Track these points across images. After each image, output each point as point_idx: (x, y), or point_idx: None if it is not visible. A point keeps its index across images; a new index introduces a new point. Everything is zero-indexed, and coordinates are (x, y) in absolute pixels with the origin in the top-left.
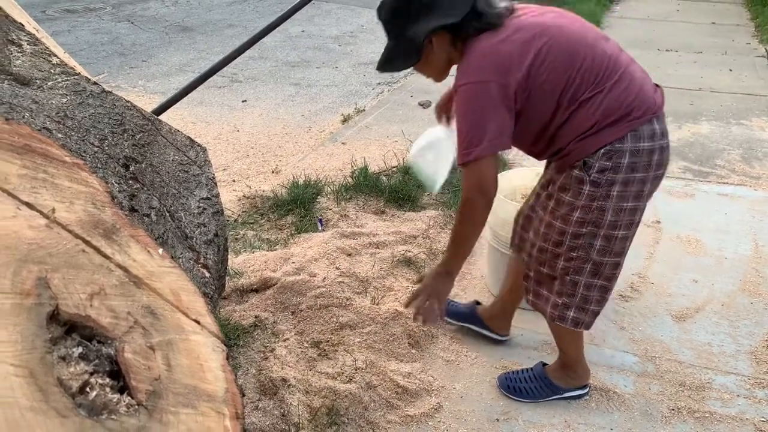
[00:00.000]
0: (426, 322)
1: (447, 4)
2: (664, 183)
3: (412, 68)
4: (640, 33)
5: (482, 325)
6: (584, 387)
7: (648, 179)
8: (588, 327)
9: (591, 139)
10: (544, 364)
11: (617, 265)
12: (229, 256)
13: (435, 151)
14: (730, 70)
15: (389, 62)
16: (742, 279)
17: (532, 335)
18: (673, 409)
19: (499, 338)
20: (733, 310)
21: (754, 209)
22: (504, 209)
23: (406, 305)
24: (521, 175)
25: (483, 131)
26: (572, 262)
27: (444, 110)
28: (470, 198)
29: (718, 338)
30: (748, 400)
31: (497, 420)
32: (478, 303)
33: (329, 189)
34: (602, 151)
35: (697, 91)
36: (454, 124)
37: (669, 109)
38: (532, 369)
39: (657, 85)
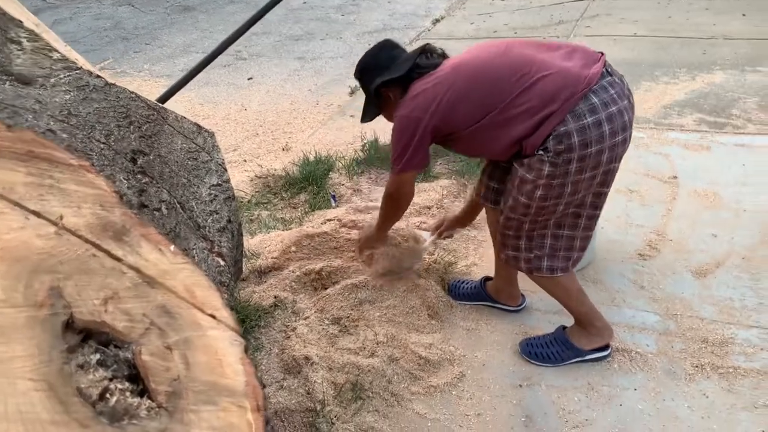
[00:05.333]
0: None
1: (396, 64)
2: (680, 137)
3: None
4: None
5: (493, 300)
6: (605, 348)
7: (605, 149)
8: (565, 271)
9: (536, 134)
10: (564, 328)
11: (578, 216)
12: (244, 237)
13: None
14: (743, 15)
15: (365, 114)
16: (762, 231)
17: (550, 299)
18: (696, 366)
19: (514, 309)
20: (754, 264)
21: None
22: None
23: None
24: None
25: (406, 153)
26: (537, 224)
27: (449, 227)
28: (389, 196)
29: (739, 292)
30: None
31: (520, 386)
32: (488, 279)
33: (341, 164)
34: (551, 137)
35: (709, 40)
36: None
37: (681, 61)
38: (552, 333)
39: (600, 55)
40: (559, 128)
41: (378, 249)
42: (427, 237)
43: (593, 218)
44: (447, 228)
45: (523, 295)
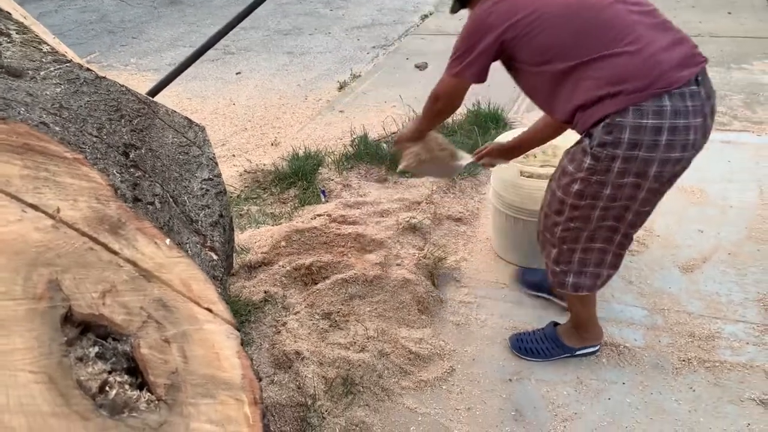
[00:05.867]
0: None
1: None
2: None
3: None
4: None
5: (550, 293)
6: (596, 345)
7: (654, 160)
8: (590, 290)
9: (592, 109)
10: (555, 324)
11: (615, 230)
12: (234, 233)
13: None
14: (729, 13)
15: (452, 5)
16: (747, 227)
17: (540, 295)
18: (683, 360)
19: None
20: (740, 259)
21: (758, 155)
22: (506, 171)
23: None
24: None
25: (468, 56)
26: (569, 233)
27: (493, 156)
28: (435, 96)
29: (725, 287)
30: (757, 347)
31: (510, 380)
32: None
33: (330, 159)
34: (602, 124)
35: (696, 37)
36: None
37: None
38: (543, 329)
39: (702, 61)
40: (615, 117)
41: (414, 146)
42: (466, 157)
43: (628, 237)
44: (490, 155)
45: None
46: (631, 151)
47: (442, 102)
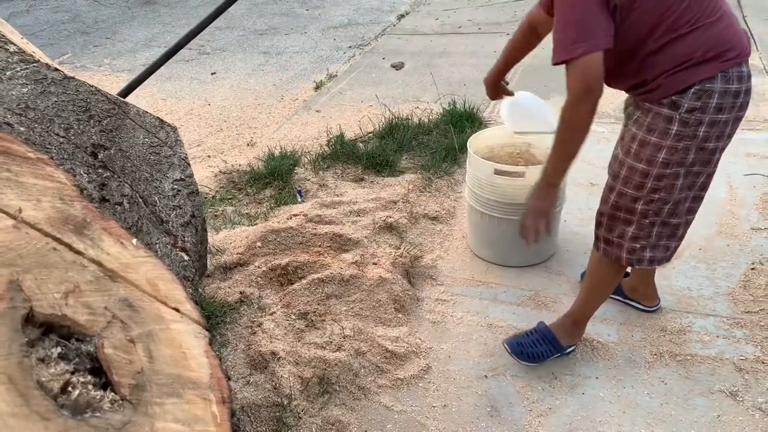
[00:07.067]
0: (535, 239)
1: None
2: None
3: None
4: None
5: (624, 296)
6: (576, 342)
7: (730, 120)
8: (664, 262)
9: (682, 74)
10: (545, 324)
11: (696, 199)
12: (209, 233)
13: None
14: None
15: None
16: (718, 222)
17: (515, 291)
18: (655, 354)
19: (648, 309)
20: (710, 254)
21: (727, 152)
22: (480, 168)
23: (521, 234)
24: (496, 134)
25: (590, 26)
26: (652, 204)
27: (494, 84)
28: (576, 100)
29: (696, 282)
30: (727, 340)
31: (485, 377)
32: (627, 275)
33: (306, 159)
34: (692, 90)
35: None
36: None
37: None
38: (537, 331)
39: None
40: (705, 83)
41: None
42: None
43: (700, 200)
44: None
45: (658, 297)
46: (717, 115)
47: (588, 97)
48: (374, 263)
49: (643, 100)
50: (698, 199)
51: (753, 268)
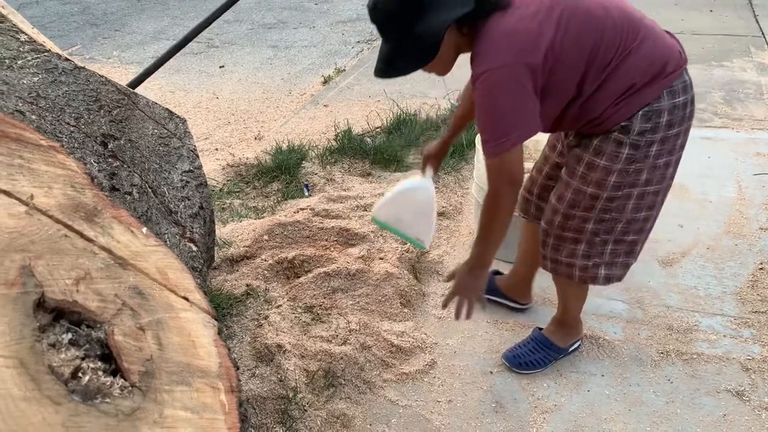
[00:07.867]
0: (468, 317)
1: None
2: None
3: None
4: None
5: (502, 295)
6: (579, 338)
7: (682, 132)
8: (620, 279)
9: (627, 102)
10: (540, 329)
11: (648, 219)
12: (216, 226)
13: (411, 208)
14: (711, 11)
15: (391, 65)
16: (726, 221)
17: None
18: (661, 353)
19: (520, 307)
20: (718, 253)
21: (736, 151)
22: None
23: (444, 306)
24: None
25: (513, 119)
26: (603, 224)
27: (434, 158)
28: (499, 190)
29: (704, 281)
30: (734, 339)
31: (491, 372)
32: (497, 273)
33: (314, 153)
34: (640, 113)
35: (678, 35)
36: (429, 173)
37: None
38: (532, 339)
39: (671, 35)
40: (653, 104)
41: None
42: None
43: (654, 221)
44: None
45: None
46: (668, 131)
47: (508, 191)
48: (381, 258)
49: (591, 132)
50: (651, 219)
51: (761, 268)
